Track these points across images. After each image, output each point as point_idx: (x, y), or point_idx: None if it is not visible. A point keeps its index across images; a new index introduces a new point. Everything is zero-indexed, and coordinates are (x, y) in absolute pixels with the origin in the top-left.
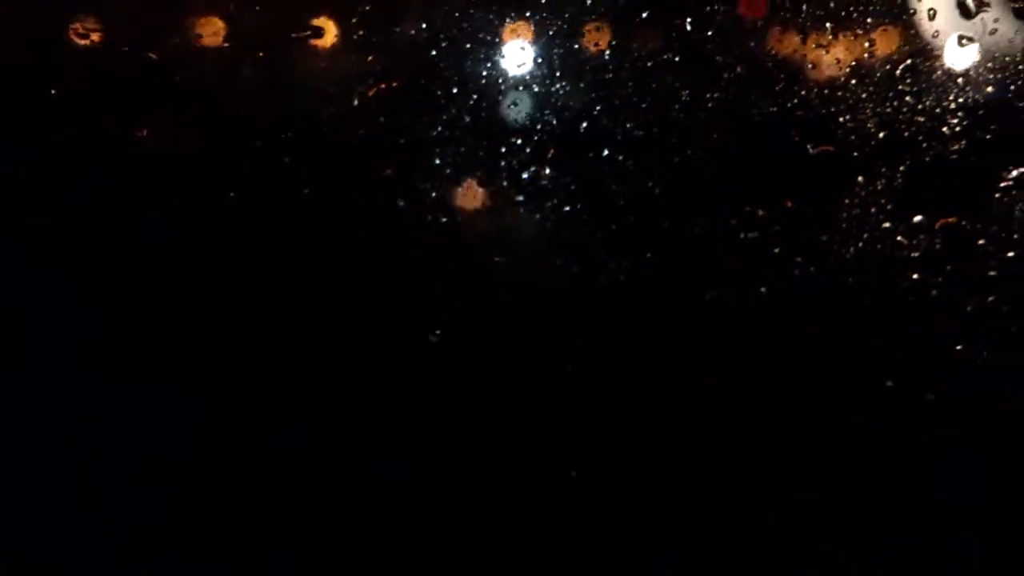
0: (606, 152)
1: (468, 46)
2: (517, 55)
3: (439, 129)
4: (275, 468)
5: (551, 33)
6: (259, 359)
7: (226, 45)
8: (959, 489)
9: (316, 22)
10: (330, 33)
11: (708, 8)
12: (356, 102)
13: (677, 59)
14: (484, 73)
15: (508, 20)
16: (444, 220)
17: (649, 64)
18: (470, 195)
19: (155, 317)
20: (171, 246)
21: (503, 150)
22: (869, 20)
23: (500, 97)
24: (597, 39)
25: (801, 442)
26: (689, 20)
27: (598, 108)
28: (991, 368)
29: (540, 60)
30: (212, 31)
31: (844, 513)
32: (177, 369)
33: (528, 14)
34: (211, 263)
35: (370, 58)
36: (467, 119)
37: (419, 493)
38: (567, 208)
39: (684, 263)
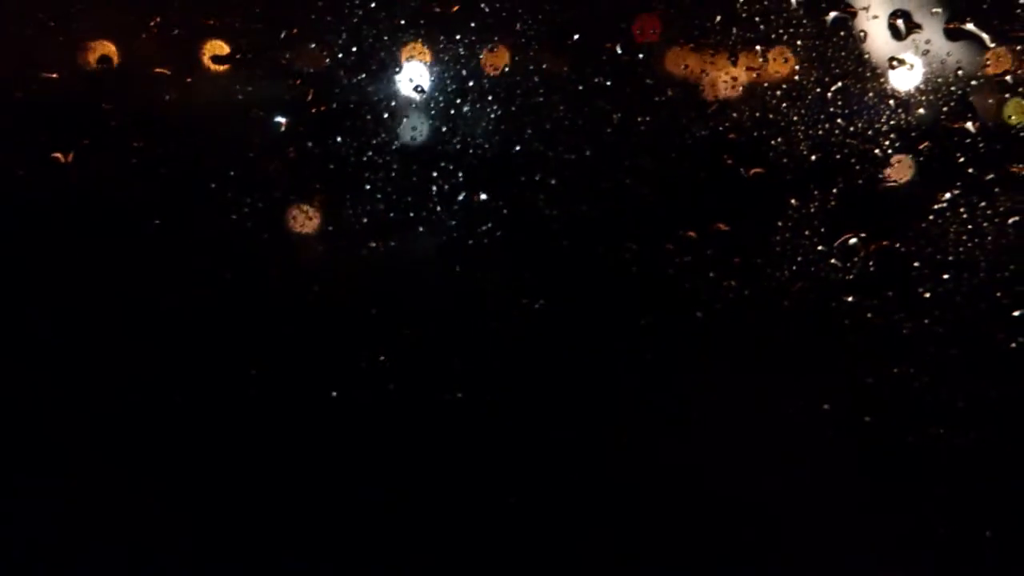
0: (538, 176)
1: (396, 70)
2: (444, 79)
3: (369, 154)
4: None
5: (479, 57)
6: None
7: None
8: (893, 510)
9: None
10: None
11: (636, 32)
12: (283, 128)
13: (608, 83)
14: (415, 98)
15: (439, 43)
16: (374, 245)
17: (580, 88)
18: (400, 219)
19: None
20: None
21: (434, 175)
22: (799, 42)
23: (426, 122)
24: (528, 63)
25: (737, 464)
26: (619, 45)
27: (529, 132)
28: (928, 390)
29: (469, 83)
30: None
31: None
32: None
33: (459, 37)
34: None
35: (298, 82)
36: (395, 145)
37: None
38: (499, 232)
39: (619, 288)
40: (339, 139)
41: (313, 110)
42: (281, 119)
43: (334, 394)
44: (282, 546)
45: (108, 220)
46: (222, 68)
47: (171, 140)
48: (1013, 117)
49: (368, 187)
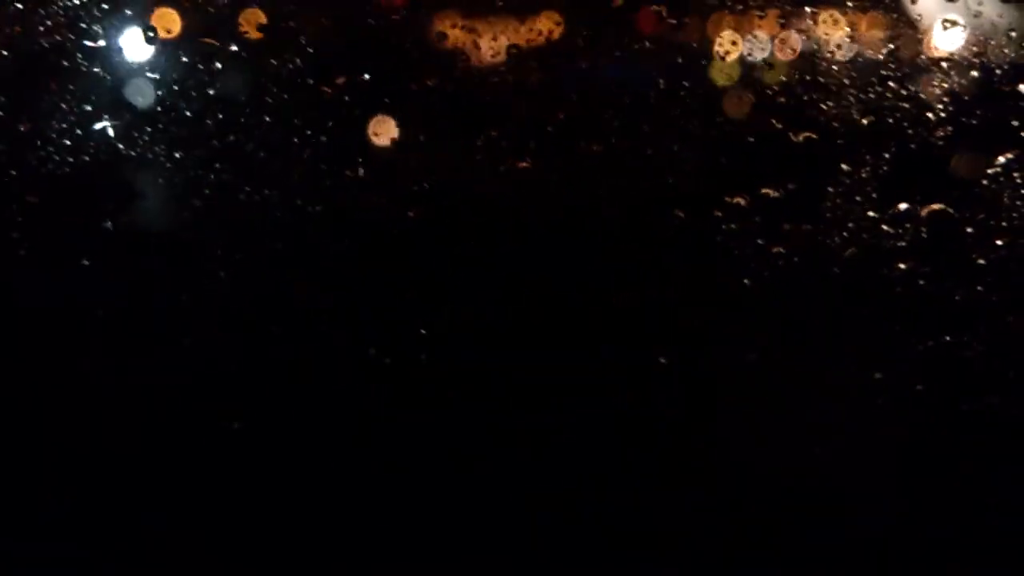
0: (589, 143)
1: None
2: None
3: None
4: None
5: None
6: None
7: None
8: (947, 484)
9: None
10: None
11: None
12: None
13: (653, 47)
14: None
15: None
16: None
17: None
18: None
19: None
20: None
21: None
22: (850, 4)
23: None
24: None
25: (788, 433)
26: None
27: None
28: (982, 359)
29: None
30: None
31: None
32: None
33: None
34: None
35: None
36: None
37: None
38: (550, 197)
39: (668, 255)
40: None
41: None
42: None
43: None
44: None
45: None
46: None
47: None
48: None
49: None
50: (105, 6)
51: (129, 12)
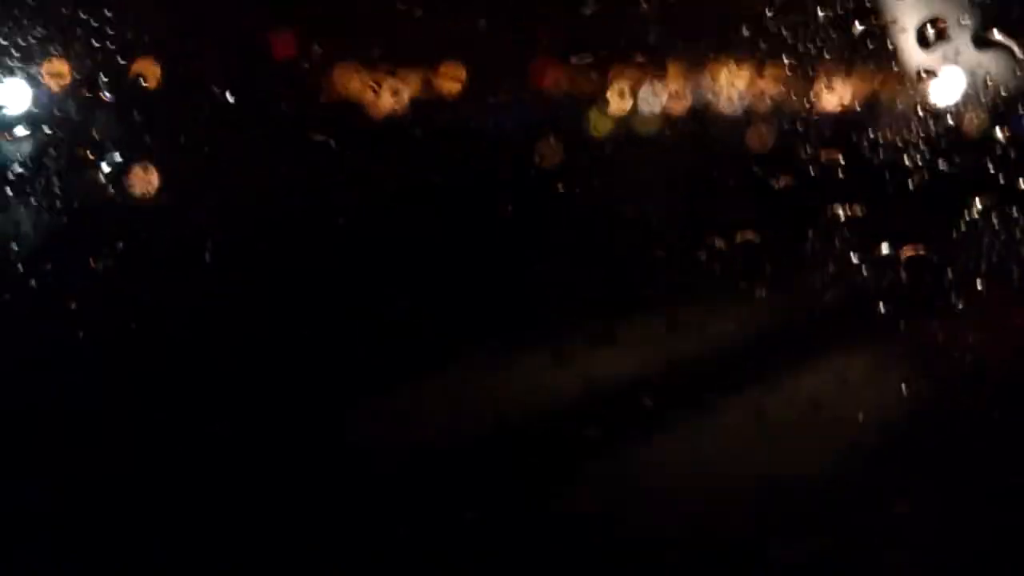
0: (567, 187)
1: None
2: None
3: None
4: None
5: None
6: None
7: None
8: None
9: None
10: None
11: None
12: None
13: (632, 95)
14: None
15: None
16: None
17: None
18: None
19: None
20: None
21: None
22: (827, 55)
23: None
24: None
25: (768, 475)
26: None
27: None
28: (964, 400)
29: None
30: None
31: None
32: None
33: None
34: None
35: None
36: None
37: None
38: (534, 244)
39: (648, 296)
40: None
41: None
42: None
43: None
44: None
45: None
46: None
47: None
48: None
49: None
50: None
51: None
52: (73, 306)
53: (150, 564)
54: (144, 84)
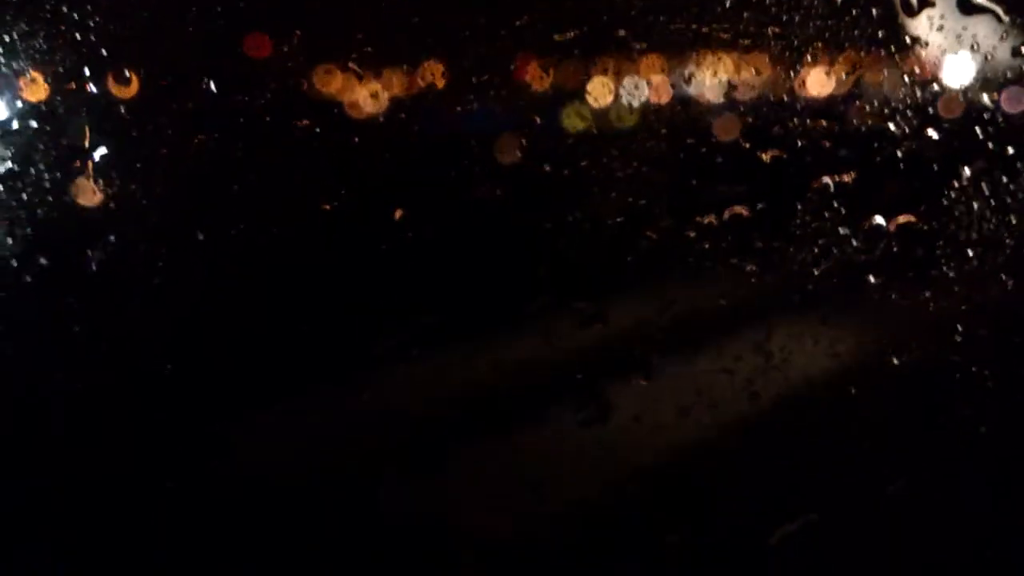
0: (556, 167)
1: None
2: None
3: None
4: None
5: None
6: None
7: None
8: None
9: None
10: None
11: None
12: None
13: (619, 72)
14: None
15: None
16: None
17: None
18: None
19: None
20: None
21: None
22: (812, 24)
23: None
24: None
25: (763, 451)
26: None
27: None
28: (955, 370)
29: None
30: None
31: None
32: None
33: None
34: None
35: None
36: None
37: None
38: (522, 226)
39: (641, 276)
40: None
41: None
42: None
43: None
44: None
45: None
46: None
47: None
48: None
49: None
50: None
51: None
52: (64, 303)
53: (150, 564)
54: (128, 78)
